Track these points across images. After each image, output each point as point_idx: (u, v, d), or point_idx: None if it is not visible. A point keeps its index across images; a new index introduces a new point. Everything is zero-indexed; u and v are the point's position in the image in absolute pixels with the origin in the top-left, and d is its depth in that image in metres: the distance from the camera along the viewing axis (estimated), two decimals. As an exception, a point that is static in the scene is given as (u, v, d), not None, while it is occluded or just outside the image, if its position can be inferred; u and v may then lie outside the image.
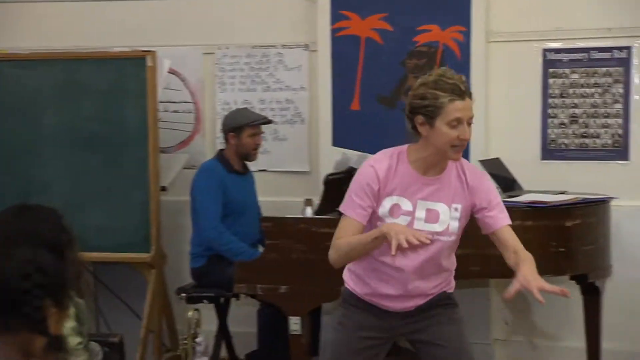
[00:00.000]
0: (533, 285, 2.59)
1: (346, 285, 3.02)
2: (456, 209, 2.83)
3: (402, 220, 2.80)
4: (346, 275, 3.03)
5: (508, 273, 4.25)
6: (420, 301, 2.93)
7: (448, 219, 2.83)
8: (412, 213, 2.81)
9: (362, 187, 2.81)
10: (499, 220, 2.84)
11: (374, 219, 2.84)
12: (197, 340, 4.17)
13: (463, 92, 2.72)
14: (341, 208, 2.87)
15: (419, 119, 2.77)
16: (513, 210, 4.06)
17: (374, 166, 2.82)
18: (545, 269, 4.03)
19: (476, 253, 4.00)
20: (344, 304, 3.02)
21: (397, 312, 2.93)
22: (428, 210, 2.81)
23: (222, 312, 4.74)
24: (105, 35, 5.43)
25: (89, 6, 5.50)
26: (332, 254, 2.83)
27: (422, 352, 2.99)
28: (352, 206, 2.82)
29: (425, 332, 2.95)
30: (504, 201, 4.20)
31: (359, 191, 2.82)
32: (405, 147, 2.87)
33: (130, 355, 4.47)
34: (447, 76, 2.75)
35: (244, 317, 5.03)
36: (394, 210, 2.82)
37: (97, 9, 5.52)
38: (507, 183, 4.63)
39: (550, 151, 4.94)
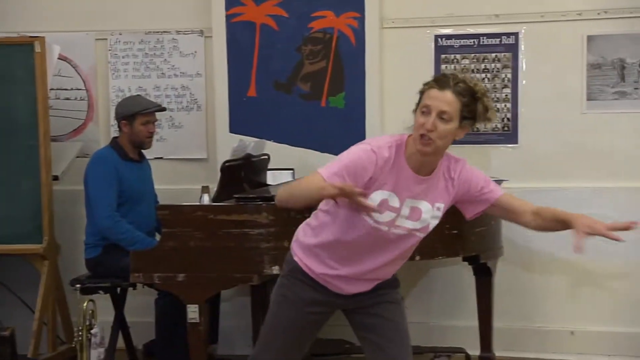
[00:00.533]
0: (601, 228, 2.63)
1: (295, 259, 2.93)
2: (438, 209, 2.82)
3: (387, 216, 2.76)
4: (299, 250, 2.94)
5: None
6: (372, 284, 2.92)
7: (429, 218, 2.82)
8: (398, 210, 2.77)
9: (356, 167, 2.69)
10: (493, 192, 2.85)
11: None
12: (93, 331, 4.09)
13: (445, 84, 2.67)
14: (322, 170, 2.70)
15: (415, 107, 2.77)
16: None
17: (376, 152, 2.72)
18: (440, 250, 4.15)
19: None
20: (289, 277, 2.94)
21: (346, 295, 2.91)
22: (412, 208, 2.78)
23: (118, 302, 4.67)
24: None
25: (-28, -10, 5.32)
26: (282, 192, 2.73)
27: (358, 324, 2.97)
28: (336, 174, 2.67)
29: (367, 308, 2.94)
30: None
31: (350, 167, 2.69)
32: (405, 137, 2.80)
33: (23, 348, 4.37)
34: (452, 72, 2.77)
35: (141, 306, 4.98)
36: (383, 205, 2.74)
37: (-18, -7, 5.34)
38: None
39: (443, 136, 5.05)
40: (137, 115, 4.60)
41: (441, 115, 2.66)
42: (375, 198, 2.74)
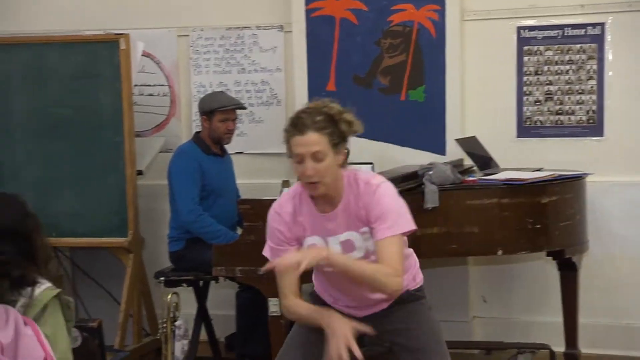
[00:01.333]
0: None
1: (314, 286, 3.03)
2: (365, 232, 2.78)
3: None
4: (314, 279, 3.03)
5: (486, 250, 4.28)
6: (383, 305, 2.90)
7: (363, 244, 2.79)
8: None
9: (276, 235, 2.81)
10: (378, 232, 2.72)
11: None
12: (177, 323, 4.14)
13: (303, 126, 2.65)
14: (266, 254, 2.85)
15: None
16: (489, 189, 4.11)
17: (279, 213, 2.80)
18: (523, 245, 4.09)
19: (454, 231, 4.02)
20: (311, 298, 3.03)
21: (360, 317, 2.90)
22: (342, 242, 2.78)
23: (201, 295, 4.74)
24: (77, 19, 5.38)
25: (60, -11, 5.45)
26: (284, 311, 2.86)
27: (395, 352, 2.98)
28: (275, 253, 2.80)
29: (393, 332, 2.92)
30: (480, 179, 4.27)
31: (274, 239, 2.82)
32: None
33: (110, 340, 4.46)
34: (303, 109, 2.73)
35: (223, 299, 5.03)
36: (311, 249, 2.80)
37: (69, -8, 5.46)
38: (483, 161, 4.65)
39: (526, 129, 4.96)
40: (216, 112, 4.64)
41: (315, 157, 2.65)
42: (306, 244, 2.80)
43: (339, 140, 2.70)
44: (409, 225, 2.74)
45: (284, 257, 2.63)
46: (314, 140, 2.64)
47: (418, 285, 2.97)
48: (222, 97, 4.79)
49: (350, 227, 2.77)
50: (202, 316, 4.76)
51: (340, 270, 2.66)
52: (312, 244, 2.79)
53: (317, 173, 2.66)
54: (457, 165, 4.44)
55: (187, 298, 4.64)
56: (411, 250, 2.98)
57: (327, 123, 2.67)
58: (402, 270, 2.71)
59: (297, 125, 2.67)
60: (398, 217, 2.72)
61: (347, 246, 2.78)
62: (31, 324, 1.88)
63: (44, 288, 2.17)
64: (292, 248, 2.80)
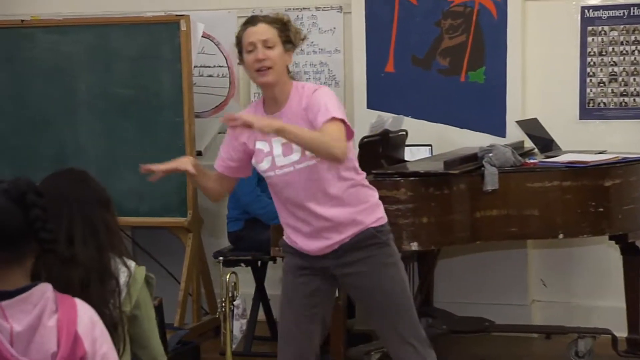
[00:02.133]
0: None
1: (284, 235, 3.13)
2: None
3: (266, 163, 2.93)
4: (279, 214, 3.13)
5: (547, 233, 4.22)
6: (336, 237, 2.94)
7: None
8: (270, 153, 2.92)
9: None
10: (317, 123, 2.82)
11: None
12: (235, 303, 4.18)
13: (255, 19, 2.90)
14: None
15: (238, 59, 2.97)
16: (551, 171, 4.05)
17: (248, 109, 3.06)
18: (585, 228, 4.02)
19: (513, 214, 3.98)
20: (283, 252, 3.17)
21: (321, 256, 2.97)
22: (283, 145, 2.88)
23: (259, 275, 4.77)
24: (138, 0, 5.42)
25: (121, -29, 5.50)
26: None
27: (355, 298, 3.22)
28: (220, 155, 3.08)
29: (356, 276, 3.00)
30: (541, 161, 4.21)
31: (228, 133, 3.04)
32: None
33: (169, 318, 4.53)
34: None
35: (281, 280, 5.05)
36: (257, 155, 2.96)
37: (130, -26, 5.51)
38: (545, 143, 4.58)
39: (589, 110, 4.87)
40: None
41: (266, 44, 2.86)
42: (256, 148, 2.97)
43: (287, 39, 2.90)
44: (344, 116, 2.82)
45: (240, 113, 2.83)
46: (264, 29, 2.87)
47: (380, 224, 3.00)
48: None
49: None
50: (260, 296, 4.80)
51: (292, 138, 2.77)
52: (259, 149, 2.94)
53: (268, 57, 2.85)
54: (517, 147, 4.39)
55: (245, 278, 4.67)
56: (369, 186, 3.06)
57: (278, 22, 2.91)
58: (344, 143, 2.80)
59: (250, 20, 2.92)
60: (332, 107, 2.82)
61: (287, 148, 2.89)
62: (64, 305, 1.76)
63: (134, 264, 2.20)
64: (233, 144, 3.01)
